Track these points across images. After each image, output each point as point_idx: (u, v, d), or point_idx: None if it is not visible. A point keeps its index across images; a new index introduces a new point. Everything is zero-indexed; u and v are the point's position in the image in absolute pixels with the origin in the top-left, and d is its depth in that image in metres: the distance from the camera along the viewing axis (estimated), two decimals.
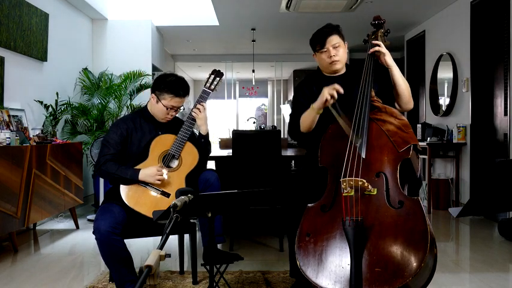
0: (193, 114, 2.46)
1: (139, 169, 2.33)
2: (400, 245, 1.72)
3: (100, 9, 5.88)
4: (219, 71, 2.58)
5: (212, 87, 2.54)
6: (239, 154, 3.49)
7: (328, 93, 2.10)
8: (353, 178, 1.89)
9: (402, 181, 1.93)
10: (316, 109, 2.18)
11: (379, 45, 2.19)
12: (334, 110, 2.09)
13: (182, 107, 2.49)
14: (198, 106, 2.47)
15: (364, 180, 1.88)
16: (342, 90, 2.10)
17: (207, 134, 2.56)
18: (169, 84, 2.41)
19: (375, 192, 1.87)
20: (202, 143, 2.53)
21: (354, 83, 2.26)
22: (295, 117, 2.40)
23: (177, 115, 2.56)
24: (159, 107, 2.43)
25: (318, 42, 2.32)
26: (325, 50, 2.30)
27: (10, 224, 3.20)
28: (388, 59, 2.19)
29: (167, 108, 2.42)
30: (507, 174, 3.44)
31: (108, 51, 6.18)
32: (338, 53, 2.30)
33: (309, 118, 2.25)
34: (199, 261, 2.50)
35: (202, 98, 2.50)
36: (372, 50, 2.19)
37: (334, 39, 2.29)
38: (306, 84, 2.44)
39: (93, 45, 6.18)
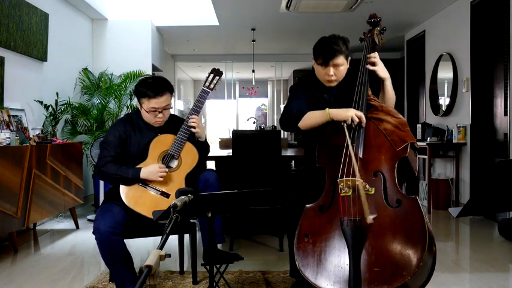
0: (192, 130, 2.41)
1: (141, 168, 2.33)
2: (398, 244, 1.72)
3: (100, 9, 5.88)
4: (218, 69, 2.56)
5: (211, 86, 2.53)
6: (239, 154, 3.49)
7: (353, 116, 2.01)
8: (350, 178, 1.89)
9: (400, 180, 1.93)
10: (331, 117, 2.09)
11: (374, 60, 2.18)
12: (348, 131, 2.01)
13: (171, 107, 2.43)
14: (192, 122, 2.40)
15: (362, 180, 1.88)
16: (363, 125, 2.03)
17: (205, 138, 2.58)
18: (143, 87, 2.37)
19: (373, 192, 1.87)
20: (203, 147, 2.55)
21: (351, 84, 2.25)
22: (290, 108, 2.28)
23: (177, 114, 2.56)
24: (143, 113, 2.42)
25: (321, 55, 2.20)
26: (325, 66, 2.22)
27: (10, 224, 3.20)
28: (382, 72, 2.17)
29: (148, 112, 2.37)
30: (507, 174, 3.43)
31: (108, 51, 6.18)
32: (337, 72, 2.22)
33: (317, 119, 2.15)
34: (199, 261, 2.50)
35: (202, 97, 2.49)
36: (368, 68, 2.17)
37: (338, 60, 2.20)
38: (304, 87, 2.36)
39: (93, 45, 6.18)
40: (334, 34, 2.26)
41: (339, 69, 2.22)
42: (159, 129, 2.49)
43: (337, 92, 2.33)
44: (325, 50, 2.19)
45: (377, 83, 2.24)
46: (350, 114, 2.02)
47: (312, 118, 2.18)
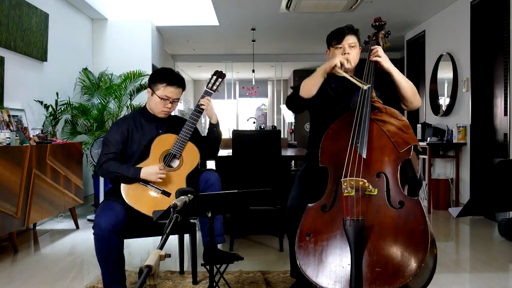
0: (202, 106, 2.49)
1: (141, 167, 2.33)
2: (400, 245, 1.71)
3: (100, 9, 5.88)
4: (221, 72, 2.61)
5: (214, 87, 2.56)
6: (239, 154, 3.49)
7: (340, 60, 2.12)
8: (354, 178, 1.89)
9: (402, 181, 1.93)
10: (322, 71, 2.17)
11: (377, 53, 2.19)
12: (345, 73, 2.11)
13: (180, 101, 2.52)
14: (204, 100, 2.50)
15: (365, 180, 1.88)
16: (352, 64, 2.18)
17: (218, 122, 2.61)
18: (162, 73, 2.45)
19: (376, 193, 1.87)
20: (214, 131, 2.59)
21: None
22: (296, 89, 2.36)
23: (178, 115, 2.58)
24: (154, 100, 2.44)
25: (335, 37, 2.33)
26: (341, 47, 2.31)
27: (10, 224, 3.20)
28: (386, 63, 2.19)
29: (161, 99, 2.41)
30: (507, 174, 3.43)
31: (108, 51, 6.18)
32: (352, 52, 2.31)
33: (312, 80, 2.23)
34: (199, 261, 2.50)
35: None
36: (371, 58, 2.20)
37: (351, 39, 2.31)
38: None
39: (93, 45, 6.18)
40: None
41: (353, 50, 2.32)
42: (160, 128, 2.50)
43: (344, 86, 2.35)
44: (338, 31, 2.33)
45: (387, 80, 2.24)
46: (335, 60, 2.12)
47: (307, 81, 2.27)
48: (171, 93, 2.42)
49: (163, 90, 2.41)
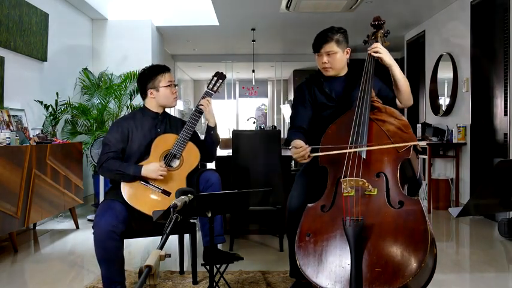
0: (201, 106, 2.52)
1: (142, 165, 2.34)
2: (400, 245, 1.71)
3: (100, 9, 5.88)
4: (222, 73, 2.64)
5: (215, 88, 2.59)
6: (239, 154, 3.49)
7: (301, 155, 2.08)
8: (353, 178, 1.89)
9: (402, 181, 1.93)
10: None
11: (377, 49, 2.19)
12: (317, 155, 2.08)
13: (176, 84, 2.61)
14: (204, 101, 2.53)
15: (365, 180, 1.88)
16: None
17: (216, 125, 2.63)
18: (151, 69, 2.55)
19: (375, 192, 1.87)
20: (212, 134, 2.60)
21: (356, 84, 2.26)
22: (293, 118, 2.43)
23: (177, 115, 2.59)
24: (162, 93, 2.49)
25: (313, 46, 2.36)
26: (319, 55, 2.35)
27: (10, 224, 3.19)
28: (387, 58, 2.19)
29: (169, 86, 2.50)
30: (507, 174, 3.42)
31: (108, 51, 6.17)
32: (331, 60, 2.32)
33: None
34: (199, 261, 2.50)
35: (205, 98, 2.55)
36: (372, 54, 2.20)
37: (329, 47, 2.30)
38: (307, 84, 2.46)
39: (93, 45, 6.18)
40: (333, 26, 2.38)
41: (332, 56, 2.31)
42: (159, 127, 2.51)
43: (340, 89, 2.35)
44: (317, 38, 2.34)
45: (386, 74, 2.24)
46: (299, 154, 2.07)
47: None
48: (171, 77, 2.55)
49: (165, 78, 2.51)
